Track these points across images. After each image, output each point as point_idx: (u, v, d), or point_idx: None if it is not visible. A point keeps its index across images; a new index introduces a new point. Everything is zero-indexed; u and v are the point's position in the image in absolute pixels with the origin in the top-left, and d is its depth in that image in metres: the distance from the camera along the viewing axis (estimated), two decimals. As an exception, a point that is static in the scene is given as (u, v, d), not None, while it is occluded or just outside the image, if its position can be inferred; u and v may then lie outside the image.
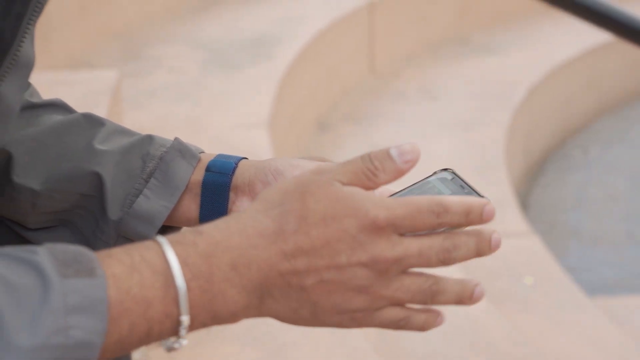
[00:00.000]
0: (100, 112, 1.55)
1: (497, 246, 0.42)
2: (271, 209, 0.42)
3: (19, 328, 0.35)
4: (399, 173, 0.41)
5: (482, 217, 0.41)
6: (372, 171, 0.42)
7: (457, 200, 0.41)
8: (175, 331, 0.40)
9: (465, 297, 0.41)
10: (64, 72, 1.93)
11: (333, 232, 0.40)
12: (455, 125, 2.98)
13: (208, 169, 0.61)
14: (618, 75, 3.93)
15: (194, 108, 2.36)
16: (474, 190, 0.48)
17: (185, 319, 0.39)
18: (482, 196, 0.46)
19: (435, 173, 0.49)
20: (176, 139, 0.64)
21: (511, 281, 2.13)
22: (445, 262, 0.40)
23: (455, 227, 0.43)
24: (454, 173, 0.49)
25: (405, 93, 3.33)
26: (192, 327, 0.41)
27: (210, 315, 0.41)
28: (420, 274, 0.41)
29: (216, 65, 2.68)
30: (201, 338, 1.39)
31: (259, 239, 0.41)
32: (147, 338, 0.40)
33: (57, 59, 2.39)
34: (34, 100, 0.68)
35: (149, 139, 0.64)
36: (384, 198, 0.43)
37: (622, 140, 3.67)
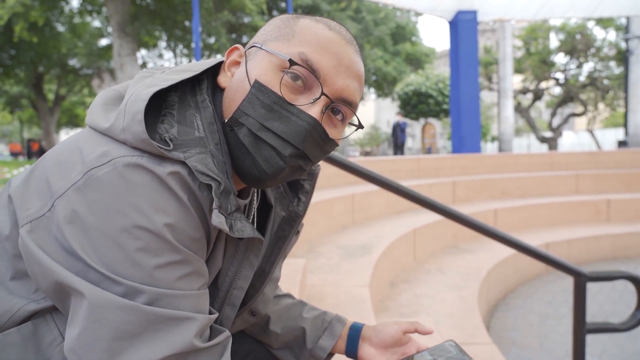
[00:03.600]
0: (297, 278, 1.92)
1: None
2: None
3: None
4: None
5: None
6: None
7: None
8: None
9: None
10: (287, 260, 1.91)
11: None
12: (452, 287, 3.51)
13: (350, 328, 0.88)
14: (524, 267, 4.75)
15: (336, 276, 2.66)
16: (466, 354, 0.61)
17: None
18: (471, 357, 0.62)
19: (447, 340, 0.69)
20: (337, 314, 0.88)
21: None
22: None
23: None
24: (455, 342, 0.66)
25: (430, 270, 3.97)
26: None
27: None
28: None
29: (347, 256, 3.08)
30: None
31: None
32: None
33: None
34: (278, 292, 0.95)
35: (324, 313, 0.89)
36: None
37: (526, 296, 4.44)
